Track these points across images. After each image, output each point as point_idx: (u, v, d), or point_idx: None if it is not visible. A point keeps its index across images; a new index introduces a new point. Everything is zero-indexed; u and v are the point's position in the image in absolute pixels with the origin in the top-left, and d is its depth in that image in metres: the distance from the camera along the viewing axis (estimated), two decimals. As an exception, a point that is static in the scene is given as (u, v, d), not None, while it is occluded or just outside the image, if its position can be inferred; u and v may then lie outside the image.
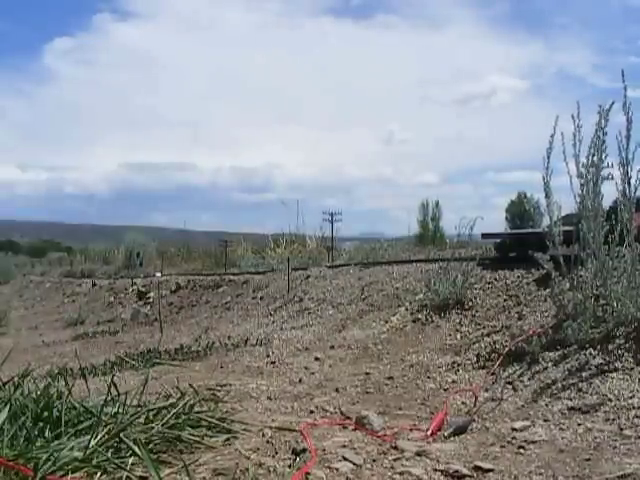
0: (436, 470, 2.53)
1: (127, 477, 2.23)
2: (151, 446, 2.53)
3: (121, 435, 2.47)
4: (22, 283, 29.27)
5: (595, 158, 4.13)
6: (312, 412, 3.72)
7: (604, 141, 4.09)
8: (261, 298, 9.78)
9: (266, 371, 5.34)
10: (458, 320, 5.68)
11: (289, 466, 2.48)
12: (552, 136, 4.25)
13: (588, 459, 2.62)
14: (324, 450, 2.72)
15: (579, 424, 3.10)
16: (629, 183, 4.04)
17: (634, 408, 3.17)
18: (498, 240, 7.37)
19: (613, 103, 4.05)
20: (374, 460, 2.65)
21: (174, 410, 2.86)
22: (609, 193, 4.22)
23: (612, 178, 4.12)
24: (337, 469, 2.49)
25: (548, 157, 4.33)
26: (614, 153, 4.07)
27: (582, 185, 4.21)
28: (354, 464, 2.56)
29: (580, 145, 4.18)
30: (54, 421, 2.66)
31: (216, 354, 6.49)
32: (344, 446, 2.83)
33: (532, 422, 3.21)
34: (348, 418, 3.47)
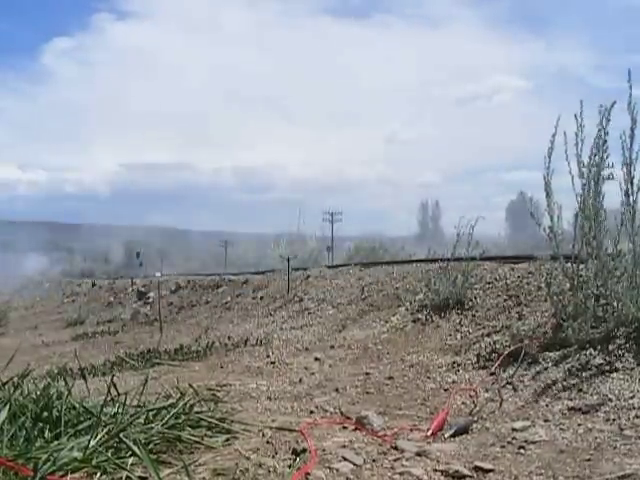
0: (436, 470, 2.52)
1: (127, 477, 2.22)
2: (151, 446, 2.53)
3: (121, 435, 2.47)
4: (22, 283, 29.27)
5: (597, 158, 4.12)
6: (312, 412, 3.72)
7: (605, 140, 4.08)
8: (261, 298, 9.78)
9: (266, 371, 5.33)
10: (458, 320, 5.68)
11: (289, 466, 2.48)
12: (554, 136, 4.24)
13: (588, 459, 2.61)
14: (324, 450, 2.71)
15: (579, 424, 3.10)
16: (632, 183, 4.03)
17: (634, 408, 3.17)
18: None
19: (615, 103, 4.04)
20: (374, 460, 2.64)
21: (174, 410, 2.86)
22: (610, 193, 4.22)
23: (613, 178, 4.12)
24: (337, 469, 2.49)
25: (549, 157, 4.33)
26: (617, 153, 4.07)
27: (583, 185, 4.20)
28: (354, 464, 2.56)
29: (582, 145, 4.17)
30: (54, 421, 2.66)
31: (216, 354, 6.49)
32: (344, 446, 2.83)
33: (532, 422, 3.20)
34: (348, 418, 3.47)
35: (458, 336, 5.29)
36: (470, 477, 2.48)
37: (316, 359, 5.53)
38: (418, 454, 2.73)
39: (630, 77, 3.95)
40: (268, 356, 5.96)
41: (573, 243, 4.38)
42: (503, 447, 2.87)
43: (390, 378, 4.51)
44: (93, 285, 21.27)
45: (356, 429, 3.20)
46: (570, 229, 4.60)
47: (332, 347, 5.94)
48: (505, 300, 5.71)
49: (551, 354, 4.10)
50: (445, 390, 4.08)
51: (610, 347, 3.89)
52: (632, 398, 3.28)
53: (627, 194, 4.05)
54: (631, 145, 4.01)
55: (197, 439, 2.71)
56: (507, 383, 3.91)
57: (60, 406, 2.77)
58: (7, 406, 2.64)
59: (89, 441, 2.38)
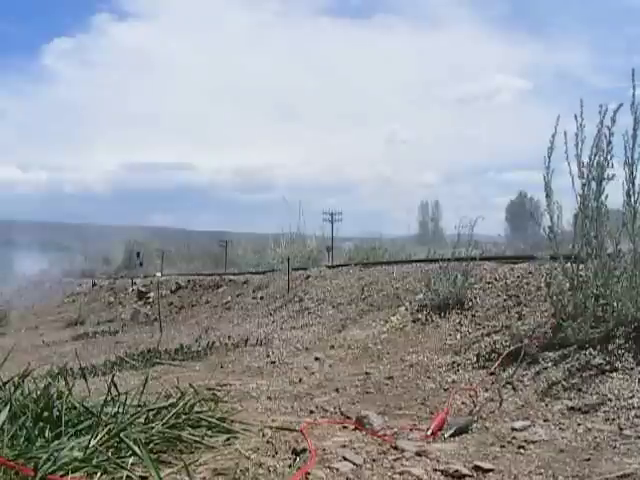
0: (436, 470, 2.53)
1: (127, 477, 2.23)
2: (151, 446, 2.53)
3: (121, 435, 2.47)
4: (22, 283, 29.25)
5: (600, 157, 4.11)
6: (312, 412, 3.72)
7: (610, 141, 4.07)
8: (261, 298, 9.78)
9: (266, 371, 5.34)
10: (458, 320, 5.68)
11: (289, 466, 2.48)
12: (553, 136, 4.24)
13: (588, 459, 2.62)
14: (324, 450, 2.72)
15: (579, 424, 3.10)
16: (633, 183, 4.03)
17: (634, 408, 3.17)
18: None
19: (622, 105, 4.03)
20: (374, 460, 2.65)
21: (174, 410, 2.86)
22: (610, 193, 4.22)
23: (613, 178, 4.12)
24: (337, 469, 2.49)
25: (549, 157, 4.33)
26: (617, 153, 4.07)
27: (583, 185, 4.20)
28: (354, 464, 2.56)
29: (582, 145, 4.17)
30: (54, 421, 2.66)
31: (216, 354, 6.49)
32: (344, 446, 2.83)
33: (532, 422, 3.20)
34: (348, 418, 3.47)
35: (458, 336, 5.29)
36: (470, 477, 2.48)
37: (316, 359, 5.53)
38: (418, 454, 2.74)
39: (634, 77, 3.95)
40: (268, 356, 5.96)
41: (573, 243, 4.38)
42: (503, 447, 2.87)
43: (390, 378, 4.52)
44: (93, 285, 21.26)
45: (356, 429, 3.20)
46: (570, 229, 4.60)
47: (332, 347, 5.94)
48: (505, 300, 5.71)
49: (551, 354, 4.10)
50: (445, 390, 4.08)
51: (610, 347, 3.90)
52: (631, 398, 3.29)
53: (628, 194, 4.06)
54: (633, 145, 4.01)
55: (197, 439, 2.71)
56: (507, 383, 3.92)
57: (60, 406, 2.77)
58: (8, 406, 2.64)
59: (89, 441, 2.38)
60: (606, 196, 4.15)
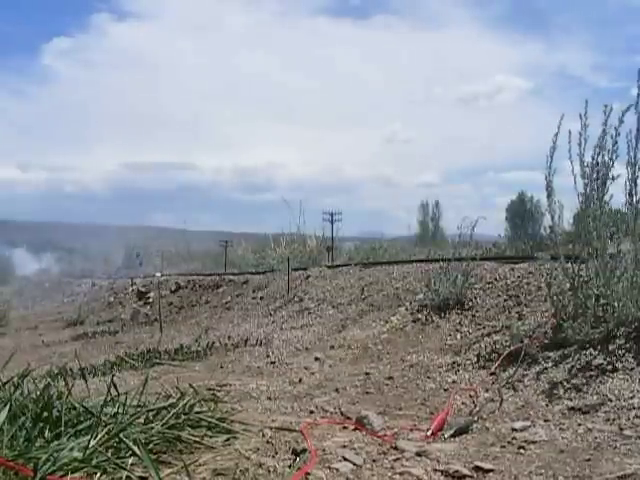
0: (436, 470, 2.52)
1: (127, 477, 2.22)
2: (151, 446, 2.52)
3: (121, 435, 2.46)
4: (22, 283, 29.25)
5: (605, 158, 4.10)
6: (312, 412, 3.72)
7: (616, 142, 4.05)
8: (261, 298, 9.77)
9: (266, 371, 5.34)
10: (458, 320, 5.68)
11: (289, 466, 2.47)
12: (556, 135, 4.23)
13: (588, 459, 2.62)
14: (324, 450, 2.71)
15: (579, 424, 3.10)
16: (635, 183, 4.02)
17: (634, 408, 3.17)
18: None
19: (630, 106, 4.01)
20: (374, 460, 2.64)
21: (174, 410, 2.86)
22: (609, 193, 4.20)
23: (618, 178, 4.10)
24: (337, 469, 2.49)
25: (551, 156, 4.32)
26: (619, 153, 4.06)
27: (586, 184, 4.20)
28: (354, 464, 2.56)
29: (585, 144, 4.16)
30: (54, 421, 2.65)
31: (216, 354, 6.49)
32: (344, 446, 2.83)
33: (532, 422, 3.20)
34: (348, 418, 3.47)
35: (458, 336, 5.29)
36: (470, 477, 2.47)
37: (316, 359, 5.53)
38: (418, 454, 2.73)
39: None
40: (268, 356, 5.96)
41: (573, 243, 4.38)
42: (503, 447, 2.87)
43: (390, 378, 4.51)
44: (93, 285, 21.28)
45: (356, 429, 3.20)
46: (570, 229, 4.59)
47: (332, 347, 5.94)
48: (505, 300, 5.71)
49: (551, 354, 4.10)
50: (445, 390, 4.08)
51: (610, 347, 3.89)
52: (632, 398, 3.28)
53: (630, 194, 4.05)
54: (636, 145, 4.00)
55: (197, 439, 2.70)
56: (507, 383, 3.91)
57: (60, 406, 2.77)
58: (7, 406, 2.63)
59: (89, 441, 2.37)
60: (611, 196, 4.14)
